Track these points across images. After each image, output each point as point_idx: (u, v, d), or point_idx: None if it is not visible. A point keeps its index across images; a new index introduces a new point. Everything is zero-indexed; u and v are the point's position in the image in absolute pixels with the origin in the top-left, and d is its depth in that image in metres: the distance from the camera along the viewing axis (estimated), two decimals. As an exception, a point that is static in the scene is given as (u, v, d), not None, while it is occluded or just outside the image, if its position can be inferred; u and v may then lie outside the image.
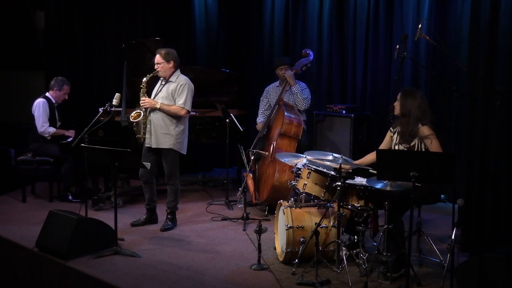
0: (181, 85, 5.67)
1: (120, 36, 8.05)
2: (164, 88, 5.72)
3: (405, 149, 4.73)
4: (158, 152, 5.74)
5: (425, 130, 4.70)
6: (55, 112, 6.90)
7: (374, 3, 7.20)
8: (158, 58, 5.67)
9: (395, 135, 4.89)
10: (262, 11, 8.30)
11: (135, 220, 5.94)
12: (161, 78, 5.77)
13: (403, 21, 6.94)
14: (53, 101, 6.90)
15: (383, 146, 5.00)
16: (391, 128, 4.96)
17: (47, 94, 6.92)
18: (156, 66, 5.67)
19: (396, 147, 4.84)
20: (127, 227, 5.85)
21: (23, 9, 8.38)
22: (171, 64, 5.67)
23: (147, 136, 5.73)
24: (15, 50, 8.57)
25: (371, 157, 4.96)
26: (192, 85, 5.75)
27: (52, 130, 6.75)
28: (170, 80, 5.71)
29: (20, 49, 8.58)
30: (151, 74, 5.72)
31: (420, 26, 5.18)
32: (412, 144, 4.73)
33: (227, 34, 8.64)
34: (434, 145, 4.67)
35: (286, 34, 8.08)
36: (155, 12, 8.33)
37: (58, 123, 6.93)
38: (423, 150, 4.70)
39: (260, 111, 6.97)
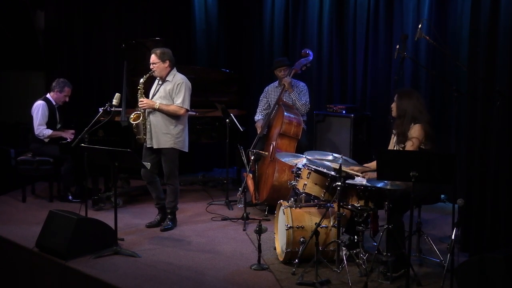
0: (178, 84, 5.66)
1: (120, 36, 8.05)
2: (162, 88, 5.72)
3: (401, 149, 4.73)
4: (158, 152, 5.73)
5: (413, 130, 4.69)
6: (56, 114, 6.88)
7: (374, 3, 7.20)
8: (153, 58, 5.66)
9: (395, 137, 4.89)
10: (262, 11, 8.30)
11: (150, 222, 5.92)
12: (158, 78, 5.76)
13: (403, 21, 6.94)
14: (53, 102, 6.87)
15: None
16: (393, 130, 4.95)
17: (47, 95, 6.90)
18: (151, 66, 5.66)
19: (395, 149, 4.83)
20: (127, 227, 5.85)
21: (23, 9, 8.37)
22: (167, 63, 5.67)
23: (147, 137, 5.72)
24: (15, 50, 8.57)
25: None
26: (189, 84, 5.75)
27: (47, 132, 6.71)
28: (166, 79, 5.71)
29: (20, 49, 8.58)
30: (148, 75, 5.70)
31: (420, 26, 5.18)
32: (406, 144, 4.73)
33: (227, 34, 8.64)
34: (412, 149, 4.63)
35: (286, 34, 8.08)
36: (155, 12, 8.33)
37: (59, 125, 6.92)
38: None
39: (258, 110, 6.96)
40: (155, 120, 5.67)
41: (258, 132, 6.66)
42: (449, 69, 6.58)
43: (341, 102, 7.48)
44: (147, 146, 5.75)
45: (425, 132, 4.69)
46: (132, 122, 5.73)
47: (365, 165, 5.02)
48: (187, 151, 5.84)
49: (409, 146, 4.67)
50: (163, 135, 5.66)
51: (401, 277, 4.44)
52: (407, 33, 6.14)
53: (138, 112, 5.72)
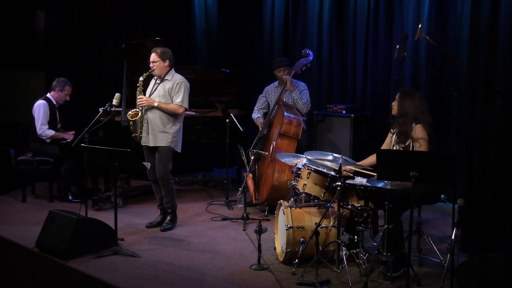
0: (177, 84, 5.67)
1: (120, 36, 8.06)
2: (160, 87, 5.72)
3: (401, 149, 4.73)
4: (155, 151, 5.73)
5: (417, 131, 4.69)
6: (56, 114, 6.89)
7: (374, 3, 7.20)
8: (154, 56, 5.67)
9: (394, 136, 4.89)
10: (262, 11, 8.30)
11: (150, 222, 5.92)
12: (155, 77, 5.77)
13: (403, 21, 6.94)
14: (54, 102, 6.88)
15: (383, 147, 4.99)
16: (391, 129, 4.96)
17: (48, 95, 6.91)
18: (151, 65, 5.67)
19: (394, 148, 4.84)
20: (127, 227, 5.85)
21: (23, 9, 8.37)
22: (167, 63, 5.68)
23: (143, 134, 5.71)
24: (15, 50, 8.57)
25: (373, 158, 4.94)
26: (187, 83, 5.76)
27: (50, 132, 6.72)
28: (165, 78, 5.71)
29: (20, 49, 8.58)
30: (147, 73, 5.71)
31: (420, 26, 5.18)
32: (407, 143, 4.73)
33: (227, 34, 8.64)
34: (422, 150, 4.64)
35: (286, 34, 8.08)
36: (155, 12, 8.34)
37: (59, 125, 6.92)
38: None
39: (256, 108, 6.96)
40: (153, 118, 5.66)
41: (260, 128, 6.66)
42: (449, 69, 6.58)
43: (341, 102, 7.48)
44: (143, 143, 5.74)
45: (427, 132, 4.69)
46: (130, 119, 5.72)
47: (359, 163, 5.02)
48: (179, 151, 5.82)
49: (418, 147, 4.66)
50: (160, 133, 5.66)
51: (401, 277, 4.44)
52: (407, 33, 6.14)
53: (137, 110, 5.72)
